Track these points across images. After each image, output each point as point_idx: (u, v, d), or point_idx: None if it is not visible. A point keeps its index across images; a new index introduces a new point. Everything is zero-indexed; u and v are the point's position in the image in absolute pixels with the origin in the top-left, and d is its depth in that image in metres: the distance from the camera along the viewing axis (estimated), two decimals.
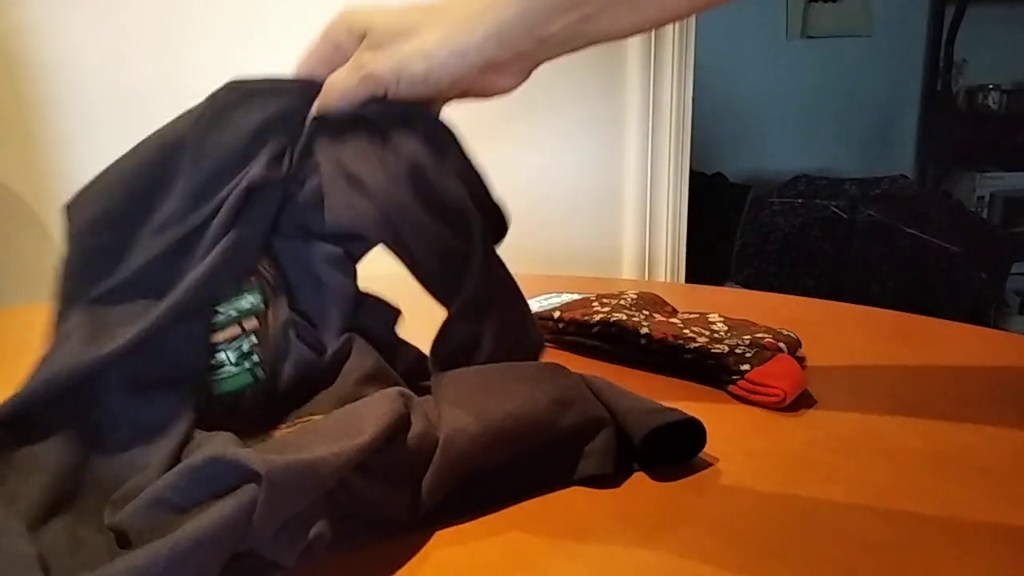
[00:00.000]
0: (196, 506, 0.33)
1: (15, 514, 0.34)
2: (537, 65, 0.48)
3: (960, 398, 0.56)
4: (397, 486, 0.39)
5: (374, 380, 0.46)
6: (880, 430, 0.51)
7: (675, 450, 0.46)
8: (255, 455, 0.33)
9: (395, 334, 0.51)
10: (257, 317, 0.47)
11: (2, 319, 0.85)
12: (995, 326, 1.95)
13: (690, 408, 0.47)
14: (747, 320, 0.66)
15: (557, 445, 0.43)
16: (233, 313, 0.46)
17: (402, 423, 0.39)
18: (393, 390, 0.42)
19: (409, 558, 0.37)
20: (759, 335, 0.62)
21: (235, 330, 0.46)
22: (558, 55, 0.46)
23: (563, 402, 0.44)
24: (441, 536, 0.39)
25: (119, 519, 0.35)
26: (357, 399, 0.42)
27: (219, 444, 0.35)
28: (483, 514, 0.40)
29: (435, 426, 0.41)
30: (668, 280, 1.62)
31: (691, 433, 0.45)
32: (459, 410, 0.42)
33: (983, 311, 2.14)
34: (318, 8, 0.74)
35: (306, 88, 0.49)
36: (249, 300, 0.47)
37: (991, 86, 2.99)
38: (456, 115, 0.50)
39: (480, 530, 0.39)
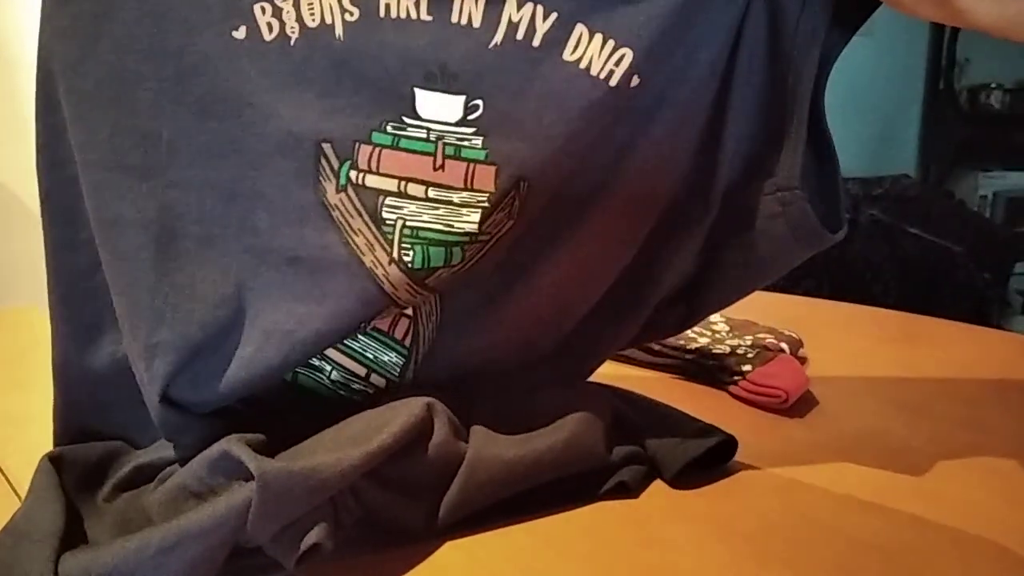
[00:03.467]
0: (212, 492, 0.34)
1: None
2: None
3: (963, 398, 0.56)
4: (413, 496, 0.38)
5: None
6: (882, 430, 0.51)
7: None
8: (254, 456, 0.33)
9: None
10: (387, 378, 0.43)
11: (2, 319, 0.85)
12: (998, 326, 1.94)
13: (690, 408, 0.46)
14: (749, 320, 0.66)
15: (585, 475, 0.42)
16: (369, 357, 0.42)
17: (421, 430, 0.38)
18: (420, 399, 0.40)
19: (413, 560, 0.37)
20: (761, 335, 0.62)
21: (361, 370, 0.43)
22: None
23: (603, 441, 0.42)
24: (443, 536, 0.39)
25: (147, 503, 0.36)
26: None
27: (233, 439, 0.35)
28: (491, 518, 0.40)
29: (461, 436, 0.40)
30: None
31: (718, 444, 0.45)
32: (495, 432, 0.41)
33: (986, 311, 2.13)
34: None
35: None
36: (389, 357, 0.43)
37: (993, 85, 2.98)
38: None
39: (481, 528, 0.39)
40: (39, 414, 0.55)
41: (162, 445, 0.40)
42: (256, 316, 0.38)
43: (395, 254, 0.38)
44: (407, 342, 0.43)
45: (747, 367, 0.56)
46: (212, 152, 0.37)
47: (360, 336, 0.42)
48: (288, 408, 0.42)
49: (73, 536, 0.34)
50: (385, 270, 0.38)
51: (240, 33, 0.36)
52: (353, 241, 0.38)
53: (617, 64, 0.37)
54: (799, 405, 0.54)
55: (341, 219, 0.38)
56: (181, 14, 0.36)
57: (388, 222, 0.38)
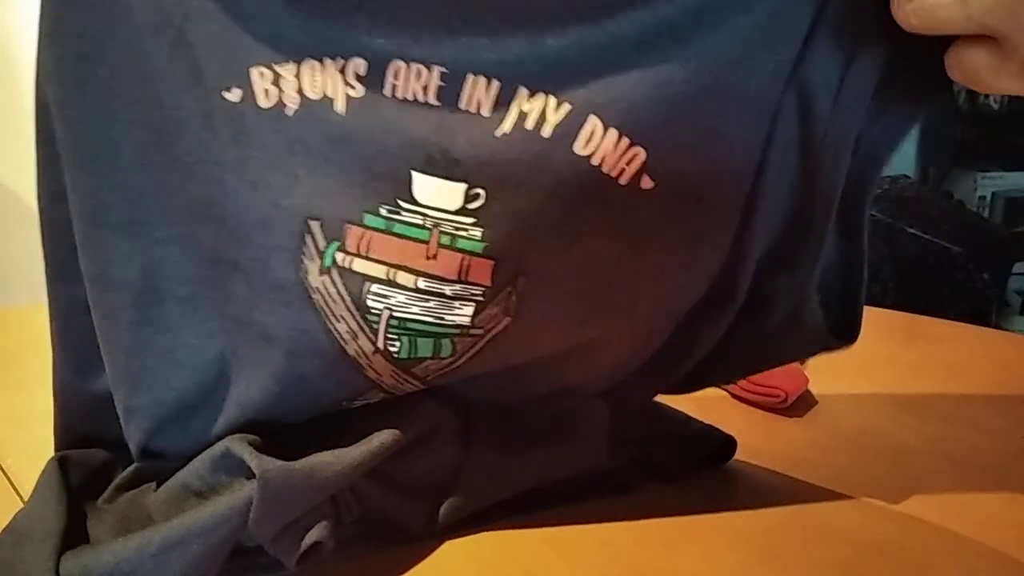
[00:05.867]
0: (213, 491, 0.34)
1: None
2: None
3: (961, 398, 0.56)
4: (413, 496, 0.38)
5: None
6: (881, 430, 0.51)
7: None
8: (255, 455, 0.33)
9: None
10: None
11: (2, 319, 0.85)
12: (996, 326, 1.95)
13: (690, 409, 0.46)
14: None
15: (586, 475, 0.42)
16: None
17: (422, 429, 0.38)
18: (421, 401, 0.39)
19: (413, 559, 0.37)
20: None
21: None
22: None
23: (603, 442, 0.42)
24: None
25: (148, 502, 0.36)
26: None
27: (234, 438, 0.35)
28: (491, 518, 0.40)
29: (462, 437, 0.40)
30: None
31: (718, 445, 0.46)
32: (495, 434, 0.40)
33: (984, 311, 2.13)
34: None
35: None
36: None
37: None
38: None
39: (481, 527, 0.39)
40: (39, 414, 0.55)
41: None
42: (234, 386, 0.37)
43: (380, 344, 0.36)
44: None
45: None
46: (195, 213, 0.35)
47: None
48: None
49: (75, 536, 0.34)
50: (369, 359, 0.36)
51: (233, 96, 0.34)
52: (335, 328, 0.36)
53: (629, 163, 0.35)
54: (798, 405, 0.55)
55: (322, 303, 0.35)
56: (171, 66, 0.34)
57: (374, 311, 0.35)
